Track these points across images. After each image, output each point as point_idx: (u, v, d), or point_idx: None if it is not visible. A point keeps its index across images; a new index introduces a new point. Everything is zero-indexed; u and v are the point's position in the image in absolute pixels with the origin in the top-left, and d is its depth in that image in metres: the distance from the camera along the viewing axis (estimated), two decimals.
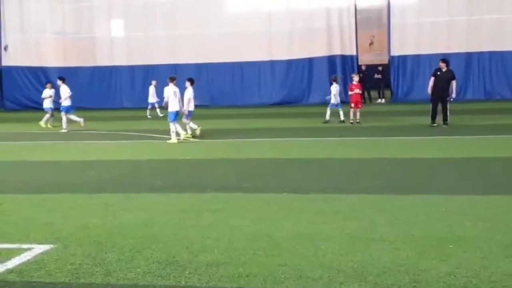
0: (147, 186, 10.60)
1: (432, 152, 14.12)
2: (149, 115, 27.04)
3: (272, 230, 7.37)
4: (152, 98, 27.58)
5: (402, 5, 32.21)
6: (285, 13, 33.19)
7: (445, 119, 19.37)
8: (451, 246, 6.51)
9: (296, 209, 8.53)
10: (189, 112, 18.31)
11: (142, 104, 32.99)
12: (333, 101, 21.92)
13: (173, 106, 17.62)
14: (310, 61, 32.97)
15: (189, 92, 18.20)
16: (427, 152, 14.09)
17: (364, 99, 33.43)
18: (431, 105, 19.63)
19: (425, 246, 6.51)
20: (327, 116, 21.75)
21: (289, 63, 33.32)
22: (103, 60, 35.01)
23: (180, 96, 17.80)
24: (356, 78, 22.17)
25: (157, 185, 10.70)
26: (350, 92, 22.00)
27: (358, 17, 33.32)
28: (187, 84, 18.38)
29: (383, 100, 32.91)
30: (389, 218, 7.81)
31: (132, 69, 34.48)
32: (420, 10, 31.93)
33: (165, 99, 17.98)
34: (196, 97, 18.39)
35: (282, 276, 5.73)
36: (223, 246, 6.69)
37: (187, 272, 5.92)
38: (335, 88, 22.14)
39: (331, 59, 32.90)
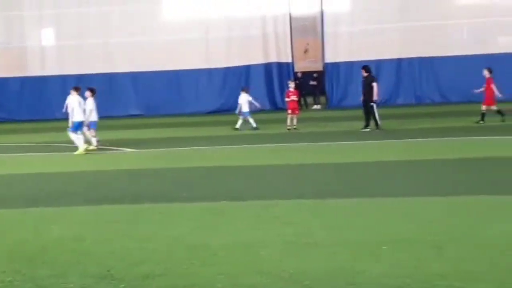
0: (80, 199, 10.36)
1: (365, 156, 14.39)
2: None
3: (210, 239, 7.33)
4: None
5: (335, 13, 32.75)
6: (222, 21, 33.18)
7: (376, 123, 19.89)
8: (384, 247, 6.63)
9: (234, 217, 8.52)
10: (91, 122, 18.01)
11: None
12: (244, 109, 22.19)
13: (77, 116, 17.37)
14: (247, 68, 33.09)
15: (90, 102, 18.02)
16: (360, 156, 14.35)
17: (301, 105, 33.85)
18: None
19: (360, 249, 6.62)
20: (238, 125, 22.04)
21: (227, 70, 33.33)
22: (35, 70, 34.08)
23: (83, 106, 17.59)
24: (292, 85, 22.56)
25: (90, 198, 10.48)
26: (286, 99, 22.32)
27: (293, 25, 33.65)
28: (87, 94, 18.21)
29: (319, 106, 33.34)
30: (325, 222, 7.91)
31: (64, 79, 33.68)
32: (352, 18, 32.55)
33: (66, 109, 17.75)
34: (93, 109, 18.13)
35: (219, 285, 5.71)
36: (160, 257, 6.61)
37: (122, 286, 5.81)
38: (244, 98, 22.39)
39: (267, 66, 33.11)
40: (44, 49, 34.41)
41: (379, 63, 32.18)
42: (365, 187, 10.55)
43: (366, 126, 20.00)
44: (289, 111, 21.60)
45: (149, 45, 33.09)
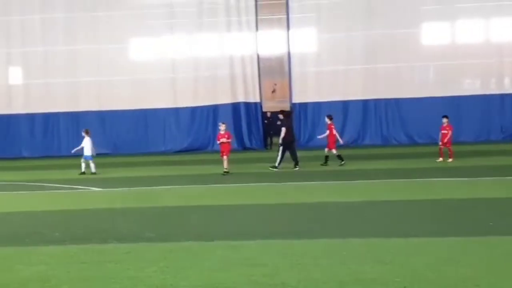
0: (45, 239, 10.21)
1: (331, 196, 14.50)
2: None
3: (176, 280, 7.27)
4: None
5: (301, 54, 33.23)
6: (189, 61, 33.42)
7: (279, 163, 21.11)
8: None
9: (201, 257, 8.47)
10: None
11: (42, 153, 32.03)
12: (86, 153, 21.97)
13: None
14: (215, 108, 33.24)
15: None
16: (326, 196, 14.44)
17: (268, 145, 34.04)
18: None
19: None
20: (82, 168, 21.82)
21: (194, 110, 33.44)
22: (1, 108, 33.74)
23: None
24: (222, 127, 21.16)
25: (55, 237, 10.33)
26: (217, 141, 21.30)
27: (260, 65, 34.04)
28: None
29: None
30: (292, 263, 7.92)
31: (31, 117, 33.41)
32: (319, 59, 33.04)
33: None
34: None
35: None
36: None
37: None
38: (88, 142, 22.06)
39: (235, 106, 33.30)
40: (10, 87, 34.12)
41: (346, 103, 32.68)
42: (331, 227, 10.61)
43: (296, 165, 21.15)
44: (221, 154, 20.77)
45: (117, 84, 33.12)
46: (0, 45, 33.57)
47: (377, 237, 9.53)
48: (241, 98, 33.35)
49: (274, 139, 34.12)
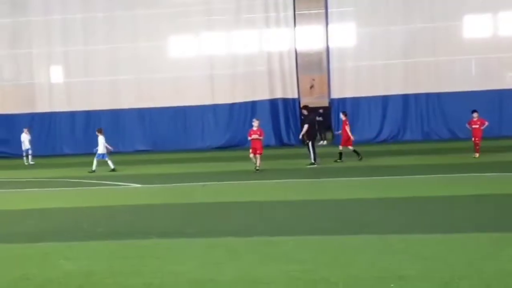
0: (88, 234, 10.40)
1: (368, 193, 14.35)
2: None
3: (215, 275, 7.33)
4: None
5: (340, 49, 33.01)
6: (227, 57, 33.57)
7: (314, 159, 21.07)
8: (392, 285, 6.61)
9: (240, 253, 8.52)
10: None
11: (83, 150, 32.53)
12: (100, 151, 22.29)
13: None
14: (253, 104, 33.29)
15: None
16: (364, 193, 14.28)
17: (305, 141, 33.92)
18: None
19: (367, 286, 6.59)
20: (94, 167, 22.07)
21: (232, 106, 33.57)
22: (43, 106, 34.45)
23: None
24: (255, 123, 20.76)
25: (98, 233, 10.52)
26: (249, 138, 20.67)
27: (298, 61, 33.96)
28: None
29: (325, 142, 33.40)
30: (331, 259, 7.90)
31: (72, 114, 34.02)
32: (358, 54, 32.78)
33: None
34: None
35: None
36: None
37: None
38: (102, 140, 22.42)
39: (273, 102, 33.31)
40: (52, 86, 34.80)
41: (386, 98, 32.36)
42: (369, 224, 10.53)
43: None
44: (251, 151, 20.28)
45: (156, 81, 33.48)
46: (42, 44, 34.23)
47: (417, 233, 9.44)
48: (279, 94, 33.33)
49: None
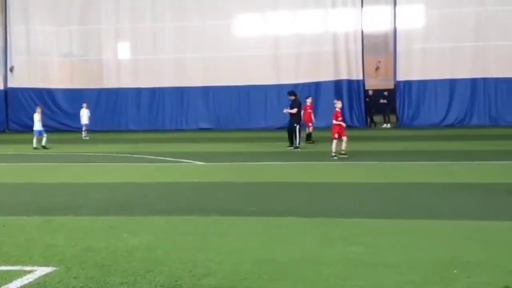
0: (152, 209, 10.60)
1: (432, 177, 14.09)
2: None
3: (276, 254, 7.35)
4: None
5: (408, 31, 32.35)
6: (292, 37, 33.38)
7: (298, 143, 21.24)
8: (455, 271, 6.47)
9: (300, 233, 8.51)
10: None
11: (147, 126, 33.14)
12: (37, 128, 23.04)
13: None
14: (317, 85, 33.06)
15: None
16: (427, 177, 14.04)
17: (368, 123, 33.57)
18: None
19: (429, 271, 6.48)
20: (34, 144, 22.89)
21: (296, 86, 33.35)
22: (110, 82, 35.18)
23: None
24: (339, 105, 18.86)
25: (162, 208, 10.70)
26: (334, 121, 18.53)
27: (364, 42, 33.46)
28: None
29: (389, 125, 32.93)
30: (392, 243, 7.79)
31: (138, 91, 34.63)
32: (426, 36, 32.05)
33: None
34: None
35: None
36: (227, 270, 6.67)
37: None
38: (36, 117, 23.17)
39: (337, 84, 33.00)
40: (119, 62, 35.46)
41: (453, 82, 31.58)
42: (433, 208, 10.34)
43: (291, 145, 21.42)
44: (336, 135, 18.31)
45: (221, 60, 33.63)
46: (110, 21, 34.89)
47: (484, 220, 9.20)
48: (343, 75, 32.99)
49: (376, 118, 33.65)
